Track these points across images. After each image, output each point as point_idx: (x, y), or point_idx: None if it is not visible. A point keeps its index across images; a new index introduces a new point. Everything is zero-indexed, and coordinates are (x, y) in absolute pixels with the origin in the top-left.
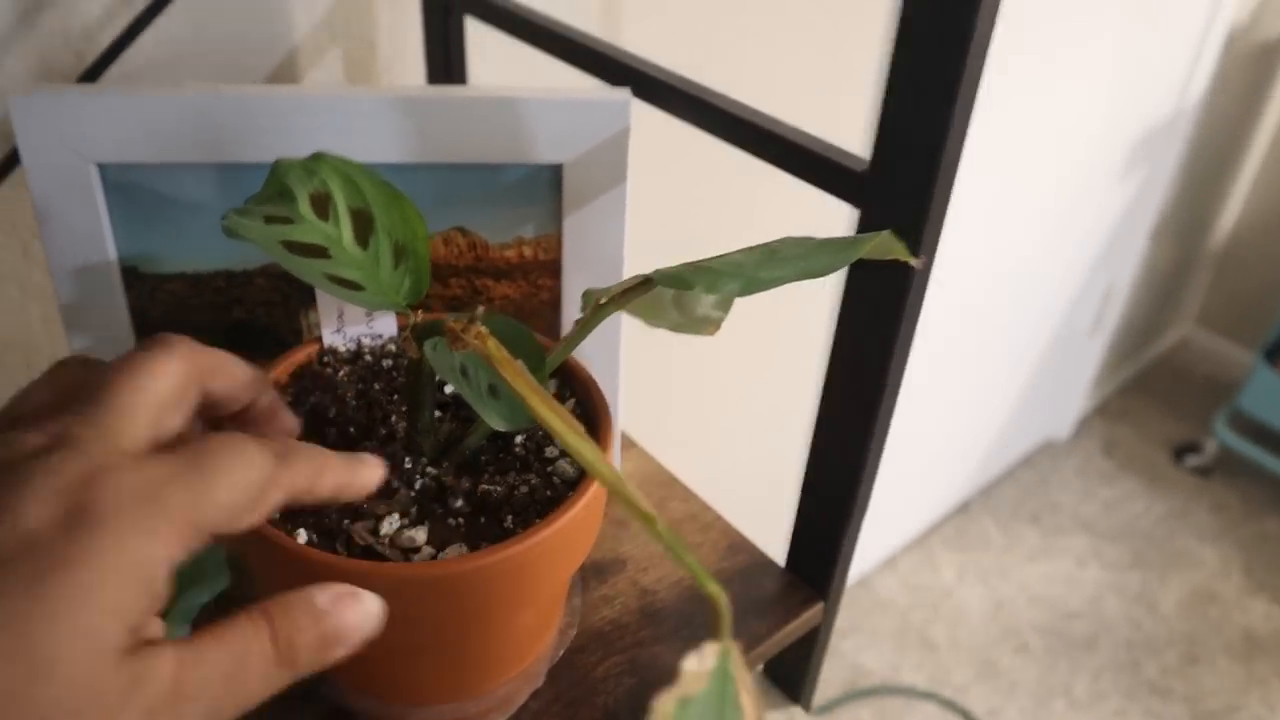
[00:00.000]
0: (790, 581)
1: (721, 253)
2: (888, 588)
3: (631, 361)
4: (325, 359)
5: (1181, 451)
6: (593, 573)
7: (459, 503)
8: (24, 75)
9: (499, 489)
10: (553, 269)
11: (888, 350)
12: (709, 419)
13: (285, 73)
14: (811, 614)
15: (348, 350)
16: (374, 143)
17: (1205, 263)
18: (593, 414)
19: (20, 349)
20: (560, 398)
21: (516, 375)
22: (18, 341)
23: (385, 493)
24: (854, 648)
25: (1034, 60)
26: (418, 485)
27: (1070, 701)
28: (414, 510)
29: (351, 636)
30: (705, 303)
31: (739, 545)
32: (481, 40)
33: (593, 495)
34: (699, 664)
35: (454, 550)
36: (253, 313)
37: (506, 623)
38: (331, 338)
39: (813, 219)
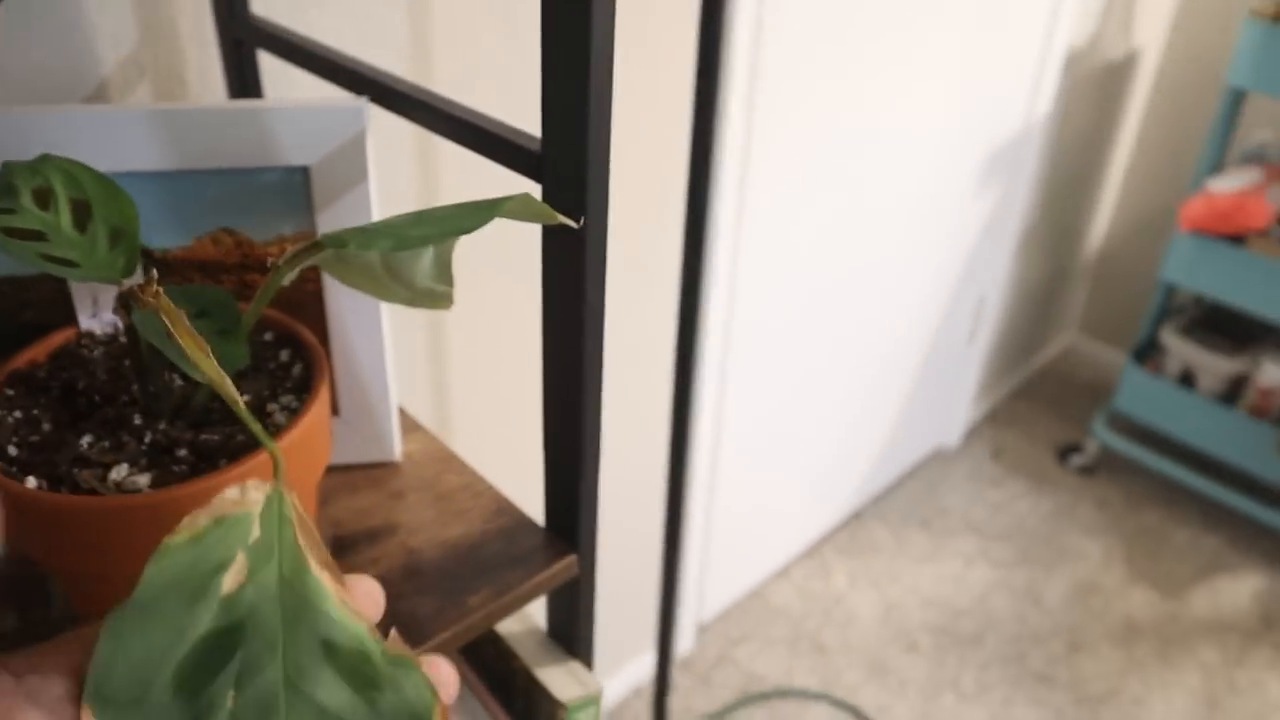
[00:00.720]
0: (548, 539)
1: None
2: (781, 596)
3: (421, 353)
4: (83, 341)
5: (1065, 452)
6: (365, 538)
7: (183, 452)
8: None
9: (217, 438)
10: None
11: (579, 309)
12: (493, 399)
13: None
14: (565, 565)
15: (105, 334)
16: (138, 152)
17: (1081, 272)
18: (309, 363)
19: None
20: (276, 356)
21: (179, 324)
22: None
23: (115, 445)
24: (747, 655)
25: (881, 76)
26: (148, 439)
27: (959, 695)
28: (143, 460)
29: None
30: (423, 275)
31: (505, 509)
32: (282, 71)
33: (294, 437)
34: (238, 494)
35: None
36: (43, 314)
37: None
38: (89, 322)
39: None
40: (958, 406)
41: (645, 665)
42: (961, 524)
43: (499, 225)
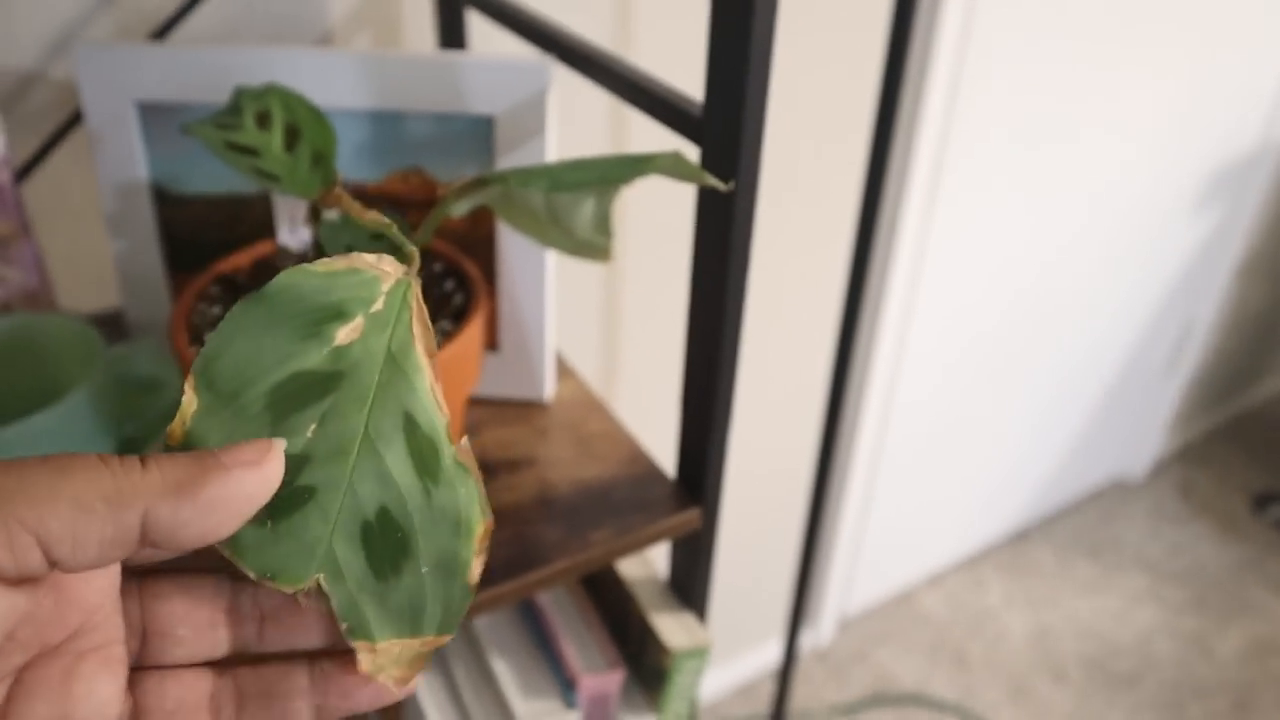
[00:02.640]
0: (675, 490)
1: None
2: (930, 603)
3: (593, 304)
4: (280, 254)
5: (1263, 501)
6: (505, 466)
7: None
8: (105, 36)
9: None
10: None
11: (724, 275)
12: (653, 358)
13: None
14: (688, 516)
15: (298, 250)
16: (347, 91)
17: None
18: (470, 294)
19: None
20: (441, 285)
21: (360, 211)
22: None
23: None
24: (887, 656)
25: (1101, 84)
26: None
27: None
28: None
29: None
30: (583, 224)
31: (640, 459)
32: (489, 32)
33: (448, 354)
34: (375, 260)
35: None
36: (255, 230)
37: None
38: (285, 238)
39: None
40: (1147, 437)
41: (780, 649)
42: (1134, 559)
43: (681, 191)
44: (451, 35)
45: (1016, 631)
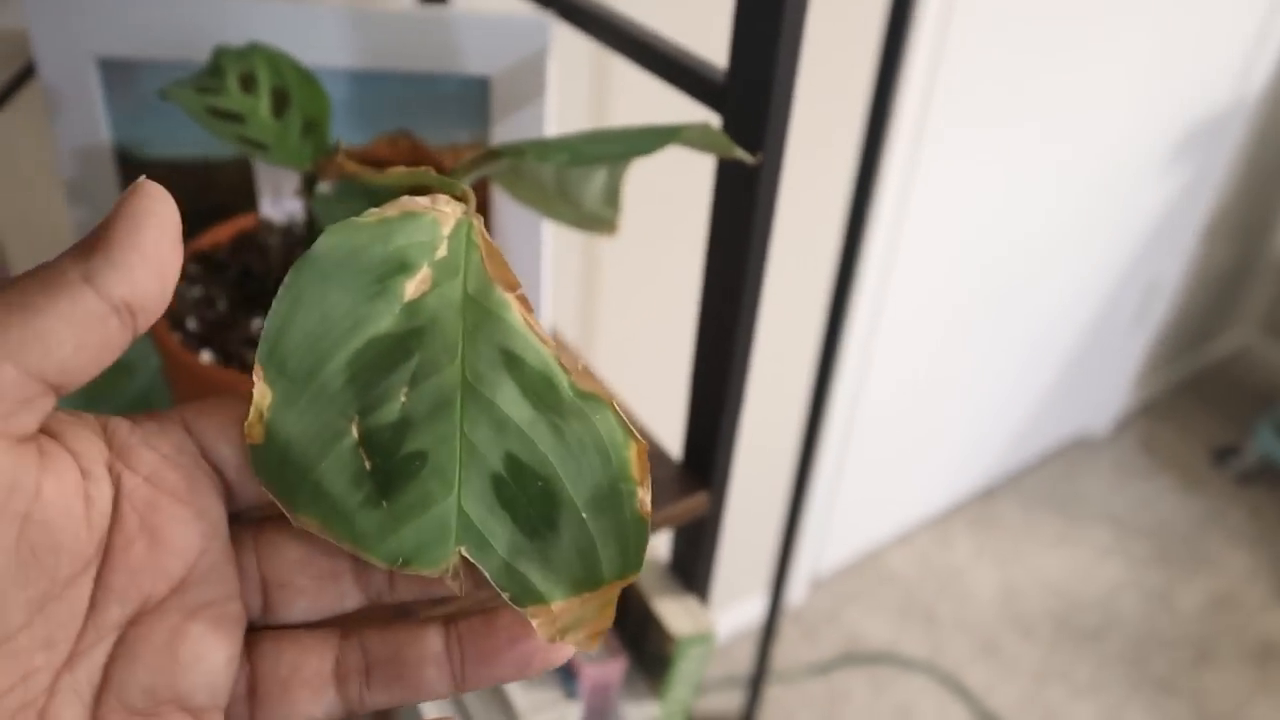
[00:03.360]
0: (681, 473)
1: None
2: (900, 562)
3: (573, 272)
4: (262, 228)
5: (1222, 455)
6: None
7: None
8: None
9: None
10: None
11: (744, 253)
12: (639, 325)
13: None
14: (695, 501)
15: (282, 222)
16: (331, 48)
17: (1269, 267)
18: None
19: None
20: None
21: (372, 175)
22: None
23: None
24: (857, 615)
25: (1076, 49)
26: None
27: (1070, 687)
28: None
29: None
30: (592, 197)
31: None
32: None
33: None
34: (429, 201)
35: None
36: (228, 197)
37: None
38: (269, 210)
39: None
40: (1112, 393)
41: (753, 610)
42: (1100, 515)
43: (664, 153)
44: None
45: (984, 589)
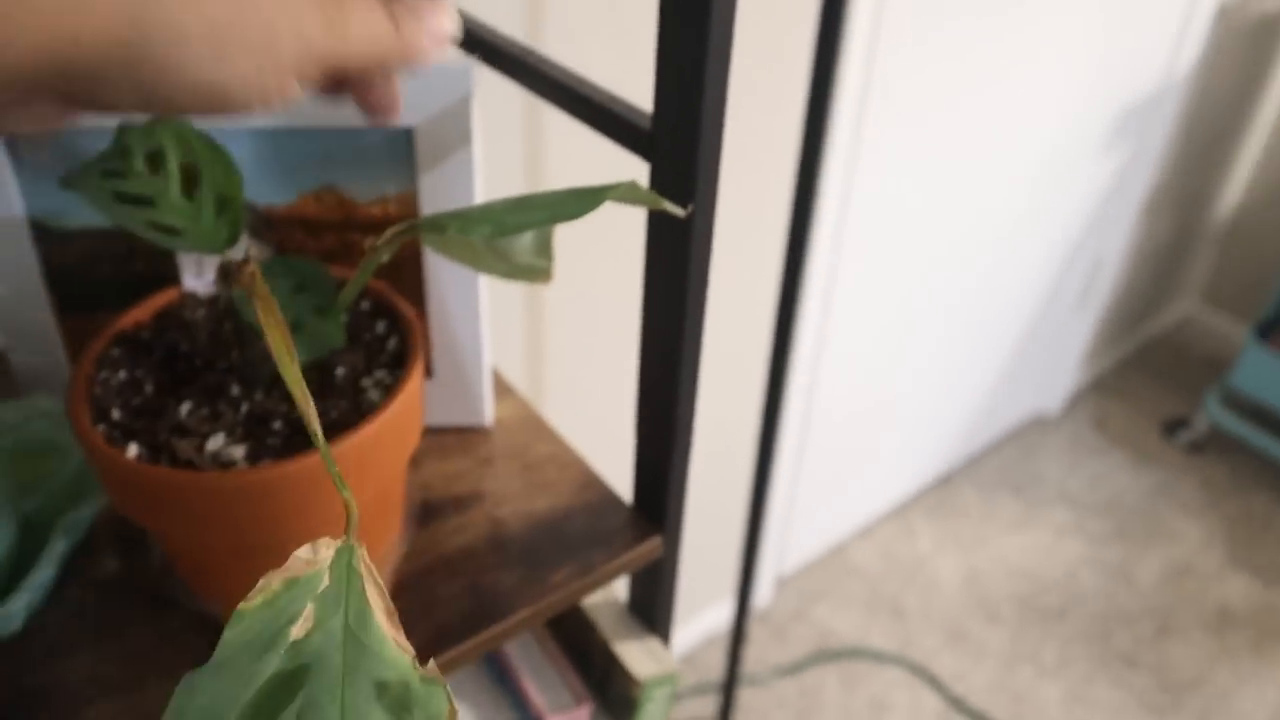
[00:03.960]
0: (633, 518)
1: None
2: (863, 555)
3: (517, 314)
4: (186, 302)
5: (1172, 427)
6: (452, 505)
7: (278, 424)
8: None
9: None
10: None
11: (681, 296)
12: (586, 367)
13: None
14: (649, 546)
15: (208, 294)
16: None
17: (1208, 238)
18: (405, 336)
19: None
20: (372, 327)
21: (270, 317)
22: None
23: (212, 414)
24: (824, 612)
25: (1011, 31)
26: (244, 410)
27: (1038, 668)
28: (238, 430)
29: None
30: (523, 251)
31: (592, 483)
32: None
33: (388, 416)
34: (310, 554)
35: (265, 464)
36: (152, 264)
37: (319, 530)
38: (192, 282)
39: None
40: (1062, 372)
41: (720, 614)
42: (1056, 494)
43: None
44: None
45: (948, 576)
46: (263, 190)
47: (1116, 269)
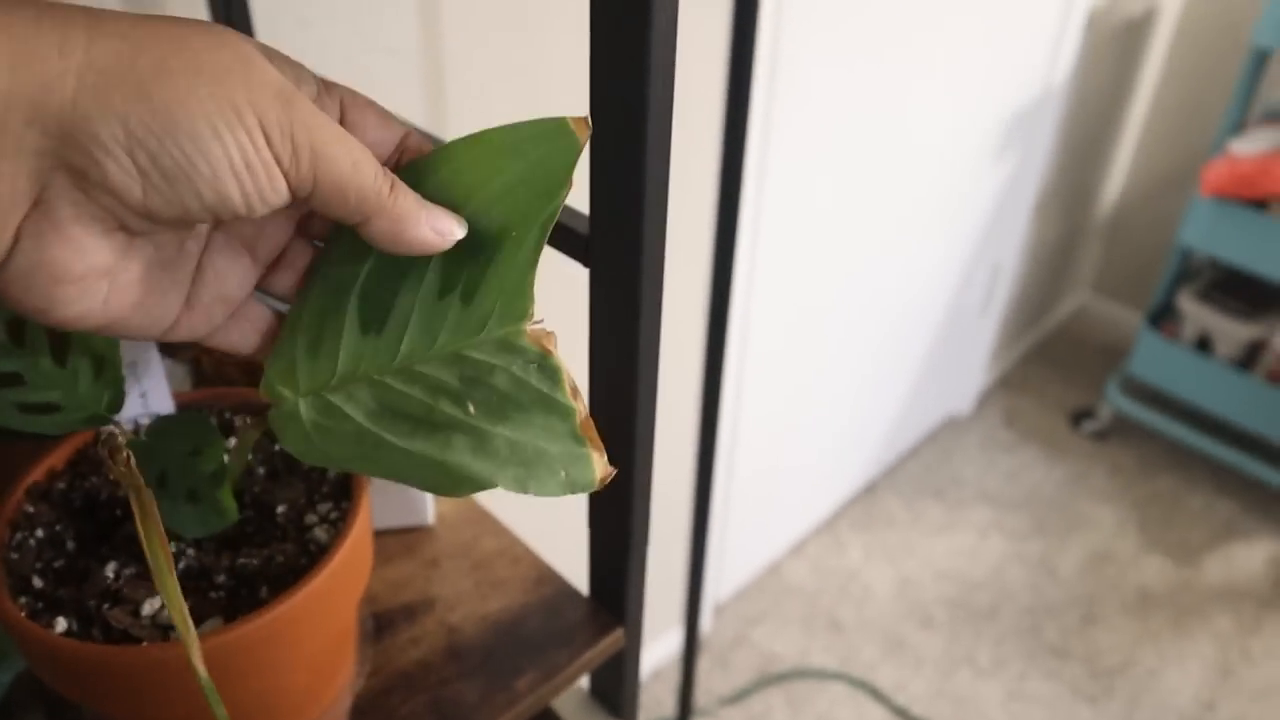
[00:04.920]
0: (593, 611)
1: None
2: (797, 573)
3: None
4: (104, 441)
5: (1078, 418)
6: (403, 615)
7: (220, 578)
8: None
9: (255, 561)
10: None
11: (632, 381)
12: None
13: None
14: (611, 640)
15: (126, 432)
16: None
17: (1094, 232)
18: (349, 473)
19: None
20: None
21: (146, 514)
22: None
23: (144, 572)
24: (764, 635)
25: (898, 48)
26: (181, 566)
27: (974, 670)
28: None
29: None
30: None
31: (546, 578)
32: None
33: (339, 562)
34: None
35: (211, 624)
36: None
37: (275, 686)
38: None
39: None
40: (971, 373)
41: (663, 647)
42: (975, 494)
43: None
44: None
45: (881, 585)
46: None
47: (1014, 269)
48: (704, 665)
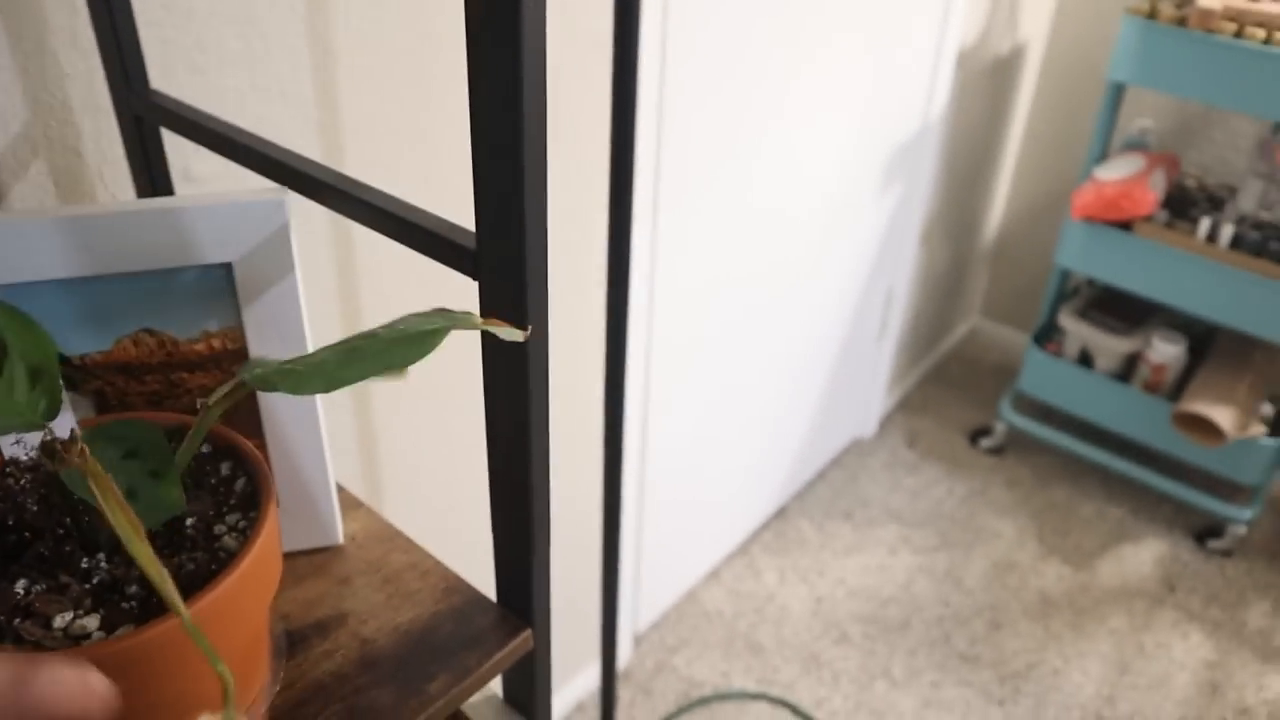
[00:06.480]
0: (501, 615)
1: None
2: (713, 599)
3: (348, 424)
4: (8, 470)
5: (975, 435)
6: (315, 631)
7: (132, 589)
8: None
9: (167, 570)
10: (243, 357)
11: (523, 380)
12: (423, 467)
13: None
14: (520, 641)
15: (30, 459)
16: (47, 261)
17: (981, 259)
18: (252, 475)
19: None
20: (217, 470)
21: (109, 497)
22: None
23: (55, 587)
24: (684, 661)
25: (785, 83)
26: (95, 580)
27: (890, 682)
28: (88, 601)
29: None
30: None
31: (455, 587)
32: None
33: (250, 562)
34: None
35: (122, 632)
36: None
37: (191, 690)
38: (12, 449)
39: None
40: (872, 397)
41: (584, 680)
42: (882, 513)
43: (427, 290)
44: (146, 156)
45: (796, 606)
46: (76, 342)
47: (907, 296)
48: (627, 695)
